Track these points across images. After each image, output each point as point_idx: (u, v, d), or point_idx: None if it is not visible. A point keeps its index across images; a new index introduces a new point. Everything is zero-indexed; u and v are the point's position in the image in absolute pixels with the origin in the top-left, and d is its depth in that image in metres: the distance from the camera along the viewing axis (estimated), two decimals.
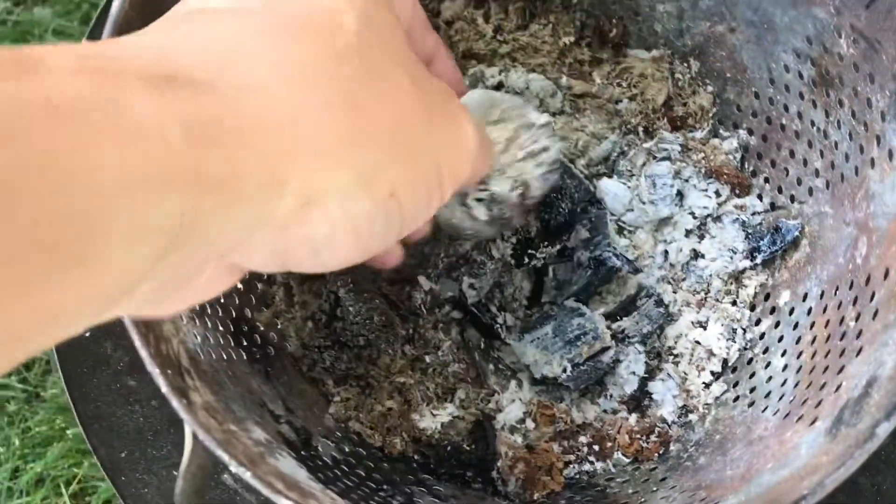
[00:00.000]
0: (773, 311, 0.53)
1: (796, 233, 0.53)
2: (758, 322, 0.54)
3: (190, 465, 0.38)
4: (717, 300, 0.55)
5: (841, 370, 0.42)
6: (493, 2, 0.58)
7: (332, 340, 0.53)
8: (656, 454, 0.52)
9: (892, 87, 0.43)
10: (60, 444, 0.86)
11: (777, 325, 0.53)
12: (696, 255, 0.56)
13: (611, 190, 0.56)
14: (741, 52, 0.55)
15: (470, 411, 0.53)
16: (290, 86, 0.24)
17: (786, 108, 0.53)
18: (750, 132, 0.57)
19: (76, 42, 0.24)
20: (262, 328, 0.51)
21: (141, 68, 0.21)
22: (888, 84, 0.43)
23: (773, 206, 0.55)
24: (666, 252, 0.56)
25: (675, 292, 0.56)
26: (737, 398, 0.52)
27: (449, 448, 0.52)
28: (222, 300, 0.47)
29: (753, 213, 0.56)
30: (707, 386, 0.54)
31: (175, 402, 0.35)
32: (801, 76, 0.51)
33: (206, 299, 0.29)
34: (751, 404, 0.50)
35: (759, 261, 0.55)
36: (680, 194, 0.56)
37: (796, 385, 0.47)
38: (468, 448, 0.52)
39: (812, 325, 0.49)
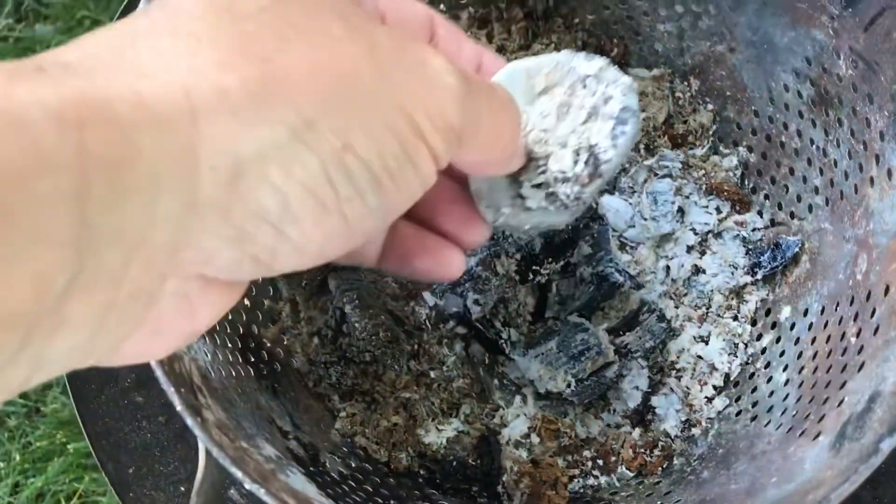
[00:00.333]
0: (774, 326, 0.54)
1: (796, 249, 0.53)
2: (759, 337, 0.55)
3: (203, 483, 0.38)
4: (719, 315, 0.56)
5: (843, 385, 0.43)
6: (496, 22, 0.58)
7: (337, 356, 0.54)
8: (660, 468, 0.52)
9: (891, 107, 0.44)
10: (61, 459, 0.86)
11: (778, 340, 0.53)
12: (698, 270, 0.57)
13: (613, 206, 0.57)
14: (741, 71, 0.55)
15: (475, 426, 0.53)
16: (177, 56, 0.22)
17: (785, 127, 0.54)
18: (750, 150, 0.57)
19: None
20: (268, 344, 0.52)
21: (10, 67, 0.20)
22: (887, 104, 0.44)
23: (773, 223, 0.56)
24: (667, 268, 0.57)
25: (676, 307, 0.56)
26: (739, 412, 0.53)
27: (454, 463, 0.52)
28: (230, 317, 0.48)
29: (754, 230, 0.56)
30: (709, 400, 0.54)
31: (189, 420, 0.35)
32: (800, 95, 0.51)
33: (203, 325, 0.26)
34: (753, 419, 0.51)
35: (759, 276, 0.55)
36: (681, 211, 0.57)
37: (798, 400, 0.47)
38: (473, 463, 0.52)
39: (813, 341, 0.49)
